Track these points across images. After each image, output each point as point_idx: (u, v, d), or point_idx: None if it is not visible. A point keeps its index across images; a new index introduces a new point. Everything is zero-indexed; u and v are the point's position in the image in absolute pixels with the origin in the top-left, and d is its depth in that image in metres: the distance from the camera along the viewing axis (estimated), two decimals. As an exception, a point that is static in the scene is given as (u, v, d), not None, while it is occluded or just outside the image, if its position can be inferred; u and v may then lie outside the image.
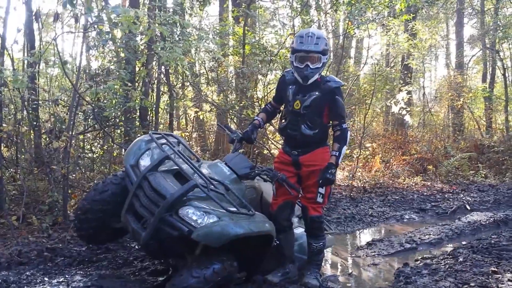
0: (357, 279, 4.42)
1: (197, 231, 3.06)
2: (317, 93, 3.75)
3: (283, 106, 4.09)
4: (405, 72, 13.32)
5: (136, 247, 4.52)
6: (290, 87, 3.85)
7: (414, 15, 12.37)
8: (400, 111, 10.01)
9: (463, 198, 8.96)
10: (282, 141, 4.27)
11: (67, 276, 3.74)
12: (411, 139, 13.22)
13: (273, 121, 9.27)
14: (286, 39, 9.16)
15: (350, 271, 4.62)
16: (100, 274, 3.73)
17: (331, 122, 3.87)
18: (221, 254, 3.25)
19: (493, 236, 5.53)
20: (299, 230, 4.25)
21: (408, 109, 10.46)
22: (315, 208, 3.86)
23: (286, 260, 3.99)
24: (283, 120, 3.98)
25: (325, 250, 4.48)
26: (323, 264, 4.40)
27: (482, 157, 13.19)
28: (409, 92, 11.86)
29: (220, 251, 3.24)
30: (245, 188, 3.79)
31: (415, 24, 12.32)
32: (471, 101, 16.30)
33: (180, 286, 3.12)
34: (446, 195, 9.24)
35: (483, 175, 11.73)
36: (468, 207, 8.23)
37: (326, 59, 3.76)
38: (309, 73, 3.68)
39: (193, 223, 3.09)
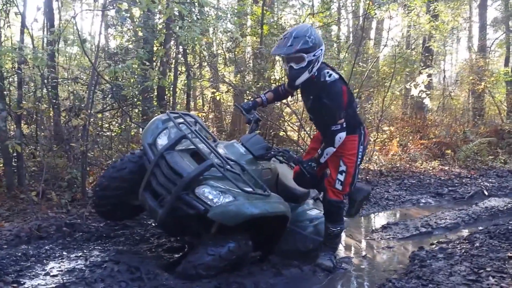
0: (371, 261, 4.42)
1: (213, 210, 3.09)
2: (311, 97, 3.70)
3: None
4: (426, 54, 13.06)
5: (153, 224, 4.59)
6: None
7: (436, -4, 12.10)
8: (420, 94, 9.85)
9: (481, 184, 8.84)
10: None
11: (85, 250, 3.82)
12: (429, 123, 13.03)
13: (290, 102, 9.27)
14: (305, 19, 9.04)
15: (364, 253, 4.62)
16: (118, 249, 3.80)
17: None
18: (236, 233, 3.30)
19: (510, 222, 5.45)
20: (314, 212, 4.27)
21: (428, 92, 10.28)
22: (335, 193, 3.84)
23: None
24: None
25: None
26: (337, 246, 4.42)
27: (502, 142, 12.94)
28: (429, 75, 11.65)
29: (235, 230, 3.28)
30: (261, 169, 3.80)
31: (437, 5, 12.04)
32: (493, 85, 15.93)
33: (195, 263, 3.18)
34: (463, 180, 9.12)
35: (502, 161, 11.54)
36: (486, 192, 8.12)
37: (314, 55, 3.51)
38: (294, 73, 3.58)
39: (209, 202, 3.13)
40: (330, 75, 3.58)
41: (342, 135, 3.63)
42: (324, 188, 3.93)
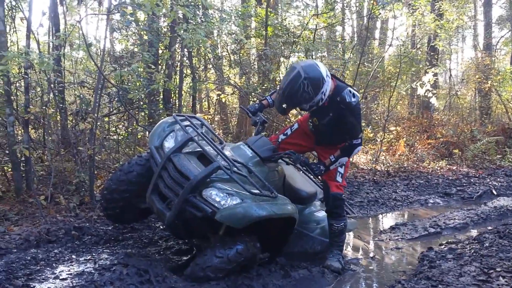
0: (380, 262, 4.40)
1: (220, 212, 3.09)
2: (331, 114, 3.67)
3: None
4: (431, 53, 13.01)
5: (161, 227, 4.60)
6: None
7: (441, -6, 12.05)
8: (426, 94, 9.81)
9: (490, 183, 8.79)
10: None
11: (94, 254, 3.82)
12: (436, 122, 12.96)
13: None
14: (309, 20, 9.03)
15: (372, 254, 4.60)
16: (126, 252, 3.80)
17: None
18: (244, 235, 3.29)
19: (520, 222, 5.43)
20: (321, 213, 4.25)
21: (434, 91, 10.23)
22: (337, 186, 3.93)
23: None
24: (310, 119, 3.97)
25: (347, 233, 4.49)
26: (345, 247, 4.40)
27: (510, 141, 12.85)
28: (435, 74, 11.59)
29: (243, 232, 3.27)
30: (268, 170, 3.79)
31: (442, 4, 11.99)
32: (499, 83, 15.83)
33: (204, 265, 3.18)
34: (472, 180, 9.07)
35: (510, 160, 11.46)
36: (494, 192, 8.07)
37: (322, 93, 3.47)
38: (307, 110, 3.67)
39: (216, 204, 3.13)
40: (353, 95, 3.59)
41: (360, 147, 3.81)
42: (326, 185, 3.97)
